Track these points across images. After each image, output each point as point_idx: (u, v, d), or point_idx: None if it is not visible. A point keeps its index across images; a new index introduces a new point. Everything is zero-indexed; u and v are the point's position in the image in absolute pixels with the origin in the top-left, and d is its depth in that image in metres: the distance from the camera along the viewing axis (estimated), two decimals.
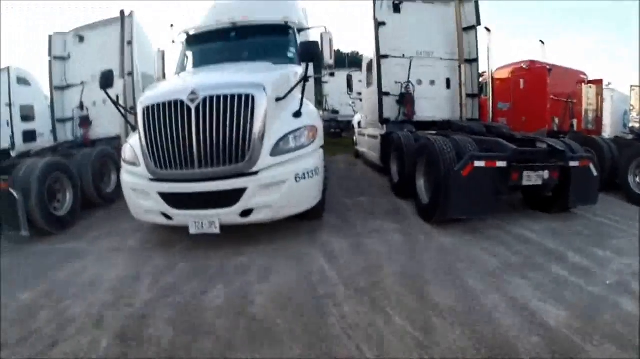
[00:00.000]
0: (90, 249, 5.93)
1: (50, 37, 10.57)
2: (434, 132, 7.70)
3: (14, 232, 6.41)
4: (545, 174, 5.45)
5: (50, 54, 10.57)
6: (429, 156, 5.88)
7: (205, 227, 4.85)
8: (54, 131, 10.88)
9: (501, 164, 5.24)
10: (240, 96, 4.64)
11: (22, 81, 12.35)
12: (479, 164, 5.13)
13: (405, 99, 9.31)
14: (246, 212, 4.83)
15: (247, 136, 4.65)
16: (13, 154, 10.37)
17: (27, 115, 12.32)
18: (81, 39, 10.49)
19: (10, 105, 11.78)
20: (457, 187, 5.15)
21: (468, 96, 9.86)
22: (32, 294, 4.67)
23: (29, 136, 12.07)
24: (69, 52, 10.65)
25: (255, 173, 4.75)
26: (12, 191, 6.31)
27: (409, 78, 9.36)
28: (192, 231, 4.91)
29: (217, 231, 4.84)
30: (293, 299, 3.87)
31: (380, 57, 9.31)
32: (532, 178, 5.42)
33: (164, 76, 7.78)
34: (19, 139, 11.81)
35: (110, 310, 4.05)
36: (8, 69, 12.06)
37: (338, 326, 3.35)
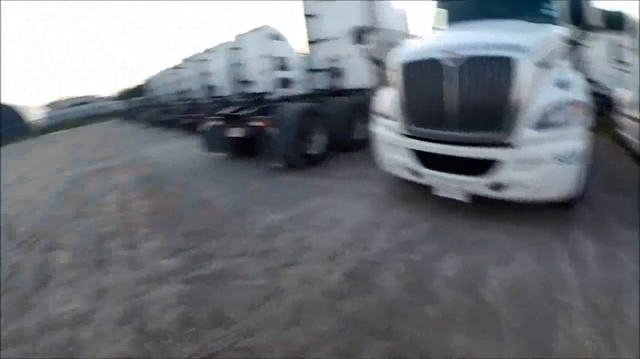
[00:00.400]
0: (336, 187, 6.46)
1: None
2: None
3: (269, 163, 7.52)
4: None
5: (304, 12, 11.43)
6: None
7: (452, 192, 4.70)
8: (307, 80, 11.94)
9: None
10: (502, 58, 4.20)
11: (275, 37, 14.13)
12: None
13: None
14: (497, 186, 4.45)
15: (507, 103, 4.22)
16: (273, 97, 11.97)
17: (282, 65, 14.12)
18: None
19: (267, 56, 13.53)
20: None
21: None
22: (279, 217, 5.43)
23: (284, 83, 13.78)
24: (320, 10, 11.36)
25: (512, 146, 4.30)
26: (271, 128, 7.32)
27: None
28: (438, 193, 4.82)
29: (463, 198, 4.64)
30: (526, 293, 3.47)
31: None
32: None
33: (412, 32, 7.67)
34: (275, 85, 13.57)
35: (346, 249, 4.33)
36: (261, 28, 14.07)
37: (562, 346, 2.89)
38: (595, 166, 8.21)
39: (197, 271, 4.37)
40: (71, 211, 7.77)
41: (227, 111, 9.98)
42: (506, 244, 4.31)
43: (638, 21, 9.31)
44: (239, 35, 15.84)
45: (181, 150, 13.59)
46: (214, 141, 9.98)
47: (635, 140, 8.83)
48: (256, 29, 14.46)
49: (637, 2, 8.18)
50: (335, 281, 3.76)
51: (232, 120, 9.30)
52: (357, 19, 9.27)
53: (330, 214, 5.35)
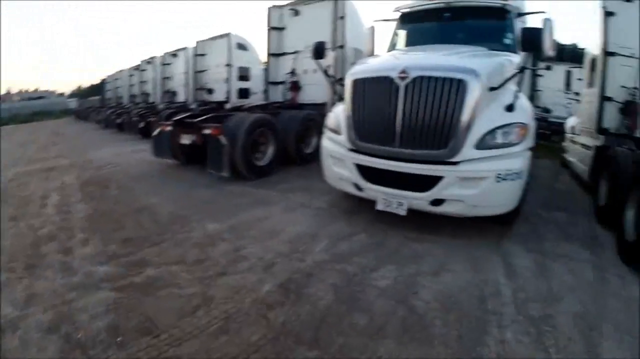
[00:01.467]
0: (279, 199, 6.51)
1: (268, 9, 11.64)
2: None
3: (216, 172, 7.54)
4: None
5: (268, 24, 11.61)
6: None
7: (393, 206, 4.81)
8: (266, 92, 12.06)
9: None
10: (451, 80, 4.39)
11: (241, 46, 14.15)
12: None
13: (631, 109, 7.76)
14: (437, 202, 4.62)
15: (454, 123, 4.40)
16: (228, 106, 11.91)
17: (244, 75, 14.10)
18: (296, 12, 11.27)
19: (229, 65, 13.49)
20: None
21: None
22: (219, 226, 5.38)
23: (244, 93, 13.78)
24: (285, 23, 11.56)
25: (455, 163, 4.48)
26: (221, 137, 7.29)
27: (639, 84, 7.84)
28: (379, 207, 4.91)
29: (403, 213, 4.76)
30: (458, 303, 3.60)
31: (606, 53, 7.95)
32: None
33: (373, 52, 7.87)
34: (235, 95, 13.52)
35: (281, 259, 4.36)
36: (229, 35, 13.87)
37: (493, 350, 3.01)
38: (541, 187, 8.65)
39: (130, 279, 4.25)
40: (9, 211, 7.46)
41: (180, 116, 9.83)
42: (441, 255, 4.50)
43: (586, 54, 9.84)
44: (203, 41, 15.73)
45: (132, 154, 13.25)
46: (165, 146, 9.71)
47: (580, 164, 9.33)
48: (221, 36, 14.40)
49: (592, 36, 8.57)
50: (268, 291, 3.77)
51: (184, 126, 9.16)
52: (322, 35, 9.39)
53: (269, 225, 5.37)
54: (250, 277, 4.03)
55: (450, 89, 4.37)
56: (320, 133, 6.08)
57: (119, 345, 3.19)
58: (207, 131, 7.93)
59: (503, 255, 4.67)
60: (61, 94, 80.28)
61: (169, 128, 9.39)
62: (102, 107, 33.08)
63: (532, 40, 4.51)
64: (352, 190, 5.24)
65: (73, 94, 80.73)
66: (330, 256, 4.42)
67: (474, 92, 4.36)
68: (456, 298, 3.68)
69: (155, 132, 9.91)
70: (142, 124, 17.26)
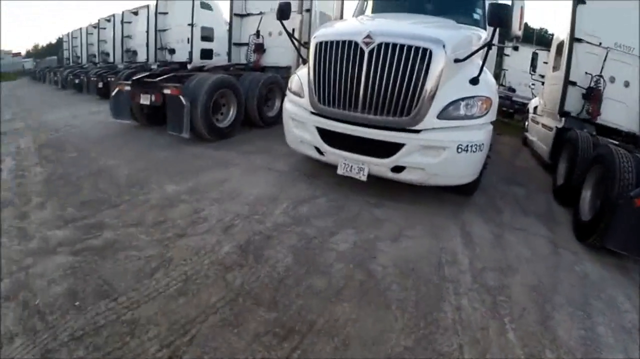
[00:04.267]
0: (240, 161, 6.37)
1: None
2: (616, 142, 6.55)
3: (176, 133, 7.20)
4: None
5: None
6: (604, 168, 4.87)
7: (354, 171, 4.78)
8: (229, 53, 11.64)
9: None
10: (417, 49, 4.31)
11: (205, 6, 13.60)
12: None
13: (593, 95, 7.94)
14: (397, 169, 4.61)
15: (417, 91, 4.34)
16: (189, 67, 11.50)
17: (207, 36, 13.61)
18: None
19: (192, 25, 13.00)
20: (625, 216, 4.12)
21: None
22: (178, 188, 5.21)
23: (207, 54, 13.31)
24: None
25: (417, 131, 4.46)
26: (181, 97, 7.01)
27: (601, 72, 7.99)
28: (340, 171, 4.87)
29: (364, 178, 4.74)
30: (416, 269, 3.63)
31: (573, 40, 8.09)
32: None
33: (341, 17, 7.71)
34: (197, 55, 13.05)
35: (241, 221, 4.26)
36: None
37: (449, 316, 3.05)
38: (501, 162, 8.81)
39: (87, 242, 4.06)
40: None
41: (140, 75, 9.39)
42: (401, 221, 4.53)
43: (554, 39, 10.01)
44: None
45: (90, 115, 12.66)
46: (124, 107, 9.22)
47: (540, 144, 9.57)
48: None
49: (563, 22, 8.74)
50: (227, 252, 3.69)
51: (143, 86, 8.75)
52: None
53: (229, 187, 5.24)
54: (209, 239, 3.92)
55: (415, 57, 4.30)
56: (283, 96, 5.95)
57: (77, 310, 3.05)
58: (167, 91, 7.61)
59: (461, 224, 4.73)
60: (17, 54, 74.35)
61: (127, 88, 8.96)
62: (59, 68, 31.30)
63: (499, 16, 4.42)
64: (313, 153, 5.18)
65: (29, 54, 75.54)
66: (290, 218, 4.36)
67: (438, 62, 4.31)
68: (414, 264, 3.71)
69: (114, 92, 9.45)
70: (100, 85, 16.53)
